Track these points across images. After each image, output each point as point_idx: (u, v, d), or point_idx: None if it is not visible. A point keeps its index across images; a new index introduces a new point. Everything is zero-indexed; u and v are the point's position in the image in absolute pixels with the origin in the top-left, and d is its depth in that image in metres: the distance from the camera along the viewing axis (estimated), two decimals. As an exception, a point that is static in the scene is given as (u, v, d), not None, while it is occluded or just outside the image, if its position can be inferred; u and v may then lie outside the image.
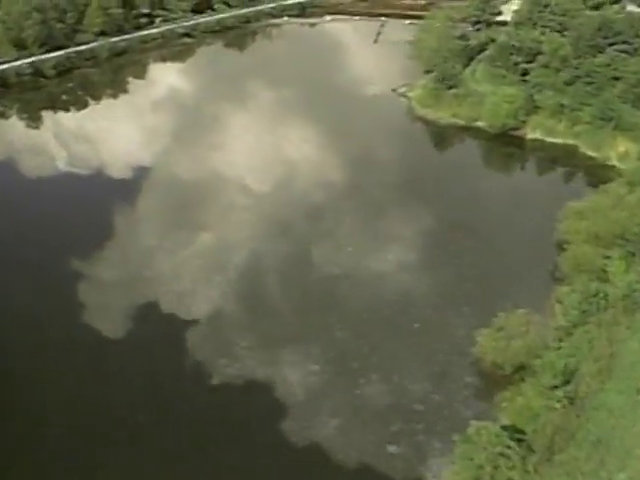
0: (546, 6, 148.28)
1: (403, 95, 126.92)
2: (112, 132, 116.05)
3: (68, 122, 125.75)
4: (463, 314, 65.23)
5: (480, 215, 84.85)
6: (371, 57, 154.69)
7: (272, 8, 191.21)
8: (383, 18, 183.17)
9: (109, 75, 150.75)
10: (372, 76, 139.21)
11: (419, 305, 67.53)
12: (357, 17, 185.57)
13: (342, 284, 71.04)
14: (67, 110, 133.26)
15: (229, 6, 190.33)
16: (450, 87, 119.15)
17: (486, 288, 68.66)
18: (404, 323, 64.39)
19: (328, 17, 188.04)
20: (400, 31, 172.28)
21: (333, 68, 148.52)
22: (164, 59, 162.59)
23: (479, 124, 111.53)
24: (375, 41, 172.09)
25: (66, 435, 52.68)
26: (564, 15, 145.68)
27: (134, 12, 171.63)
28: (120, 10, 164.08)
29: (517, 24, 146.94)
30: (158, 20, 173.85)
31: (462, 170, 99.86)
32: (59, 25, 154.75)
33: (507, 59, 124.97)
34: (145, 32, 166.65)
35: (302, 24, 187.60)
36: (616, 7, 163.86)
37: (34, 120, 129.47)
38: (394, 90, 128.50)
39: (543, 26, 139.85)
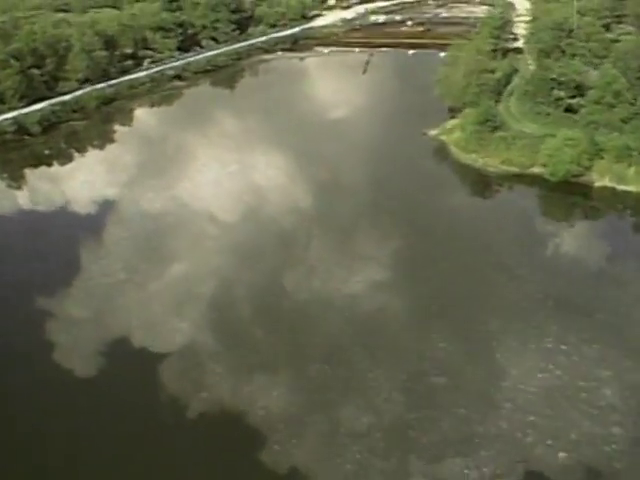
0: (570, 31, 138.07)
1: (436, 138, 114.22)
2: (93, 182, 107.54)
3: (50, 177, 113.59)
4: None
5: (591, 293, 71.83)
6: (380, 93, 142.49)
7: (263, 42, 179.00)
8: (385, 49, 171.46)
9: (98, 126, 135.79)
10: (388, 115, 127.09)
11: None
12: (357, 49, 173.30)
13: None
14: (50, 165, 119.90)
15: (217, 42, 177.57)
16: (494, 128, 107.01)
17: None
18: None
19: (325, 50, 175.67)
20: (391, 60, 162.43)
21: (341, 107, 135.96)
22: (153, 104, 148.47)
23: (535, 171, 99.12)
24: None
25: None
26: (588, 41, 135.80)
27: (118, 53, 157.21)
28: (104, 53, 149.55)
29: (542, 52, 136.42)
30: (146, 62, 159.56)
31: (533, 230, 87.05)
32: (37, 72, 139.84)
33: (548, 94, 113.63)
34: (133, 76, 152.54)
35: (298, 58, 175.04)
36: (629, 28, 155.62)
37: (15, 180, 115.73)
38: (425, 134, 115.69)
39: (573, 55, 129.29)
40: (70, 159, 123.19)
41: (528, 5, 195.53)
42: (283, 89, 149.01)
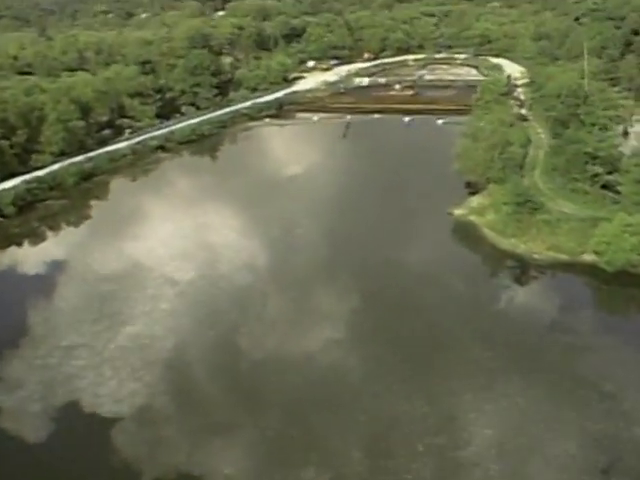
0: (586, 98, 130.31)
1: (464, 219, 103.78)
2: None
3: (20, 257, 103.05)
4: None
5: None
6: (388, 165, 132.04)
7: (247, 108, 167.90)
8: (377, 115, 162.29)
9: (78, 206, 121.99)
10: (405, 191, 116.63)
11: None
12: (348, 115, 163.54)
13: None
14: (21, 245, 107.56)
15: (198, 108, 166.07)
16: (534, 210, 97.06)
17: None
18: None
19: (315, 117, 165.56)
20: (386, 128, 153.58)
21: (344, 182, 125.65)
22: (136, 179, 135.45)
23: (587, 258, 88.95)
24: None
25: None
26: (605, 108, 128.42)
27: (93, 122, 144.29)
28: (81, 123, 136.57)
29: (557, 121, 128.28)
30: (127, 132, 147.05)
31: (593, 329, 76.19)
32: (8, 144, 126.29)
33: (583, 169, 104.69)
34: (112, 147, 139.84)
35: (285, 126, 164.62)
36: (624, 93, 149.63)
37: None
38: (450, 214, 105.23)
39: (592, 124, 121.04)
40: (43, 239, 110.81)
41: (518, 68, 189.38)
42: (272, 162, 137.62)
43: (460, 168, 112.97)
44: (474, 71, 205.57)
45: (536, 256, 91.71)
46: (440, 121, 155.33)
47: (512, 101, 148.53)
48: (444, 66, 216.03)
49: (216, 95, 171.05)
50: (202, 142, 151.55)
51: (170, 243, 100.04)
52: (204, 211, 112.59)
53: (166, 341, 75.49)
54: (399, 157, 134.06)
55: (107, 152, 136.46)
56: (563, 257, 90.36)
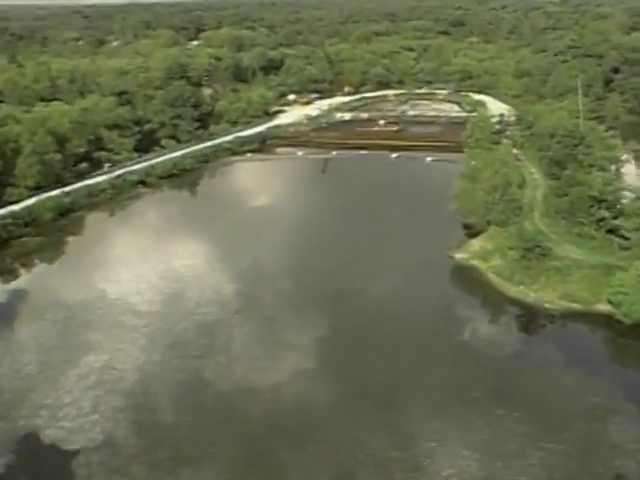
0: (582, 139, 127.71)
1: (466, 263, 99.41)
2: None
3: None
4: None
5: None
6: (383, 205, 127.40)
7: (229, 142, 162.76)
8: (363, 151, 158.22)
9: (53, 241, 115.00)
10: (397, 231, 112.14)
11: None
12: (334, 151, 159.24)
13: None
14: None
15: (178, 141, 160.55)
16: (542, 255, 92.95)
17: None
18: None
19: (299, 152, 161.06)
20: (375, 165, 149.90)
21: (332, 219, 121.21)
22: (114, 213, 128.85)
23: (602, 308, 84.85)
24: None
25: None
26: (604, 149, 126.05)
27: (70, 154, 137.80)
28: (59, 155, 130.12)
29: (553, 161, 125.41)
30: (106, 165, 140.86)
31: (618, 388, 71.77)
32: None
33: (589, 213, 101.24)
34: (91, 181, 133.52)
35: (267, 160, 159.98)
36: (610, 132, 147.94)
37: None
38: (451, 257, 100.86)
39: (591, 165, 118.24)
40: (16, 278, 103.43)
41: (502, 105, 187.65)
42: (253, 201, 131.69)
43: (458, 209, 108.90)
44: (456, 107, 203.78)
45: (547, 305, 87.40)
46: (429, 159, 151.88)
47: (505, 140, 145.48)
48: (425, 101, 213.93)
49: (197, 128, 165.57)
50: (184, 177, 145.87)
51: (146, 282, 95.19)
52: (181, 248, 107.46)
53: (131, 372, 74.03)
54: (391, 196, 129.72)
55: (86, 186, 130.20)
56: (576, 306, 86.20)
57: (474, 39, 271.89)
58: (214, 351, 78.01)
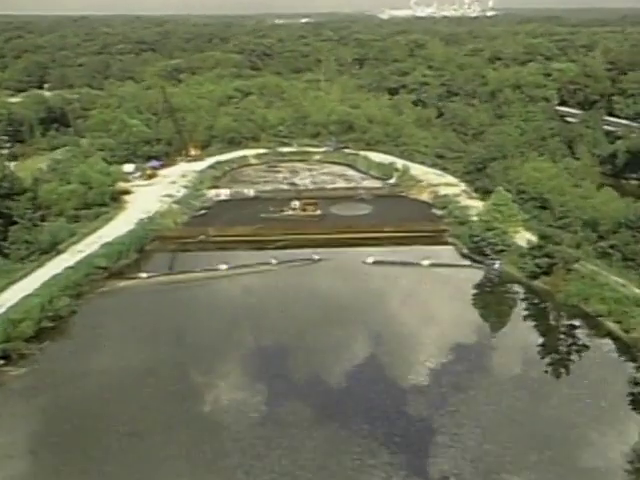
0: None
1: None
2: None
3: None
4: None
5: None
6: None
7: (98, 255, 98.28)
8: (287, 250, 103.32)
9: None
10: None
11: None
12: (255, 257, 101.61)
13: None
14: None
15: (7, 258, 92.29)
16: None
17: None
18: None
19: (222, 265, 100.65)
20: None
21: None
22: None
23: None
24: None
25: None
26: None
27: None
28: None
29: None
30: None
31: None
32: None
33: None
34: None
35: (174, 284, 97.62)
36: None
37: None
38: None
39: None
40: None
41: (433, 170, 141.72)
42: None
43: None
44: (352, 172, 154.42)
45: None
46: (370, 259, 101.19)
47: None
48: (300, 164, 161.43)
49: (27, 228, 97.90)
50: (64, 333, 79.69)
51: None
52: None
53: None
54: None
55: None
56: None
57: (310, 75, 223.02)
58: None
